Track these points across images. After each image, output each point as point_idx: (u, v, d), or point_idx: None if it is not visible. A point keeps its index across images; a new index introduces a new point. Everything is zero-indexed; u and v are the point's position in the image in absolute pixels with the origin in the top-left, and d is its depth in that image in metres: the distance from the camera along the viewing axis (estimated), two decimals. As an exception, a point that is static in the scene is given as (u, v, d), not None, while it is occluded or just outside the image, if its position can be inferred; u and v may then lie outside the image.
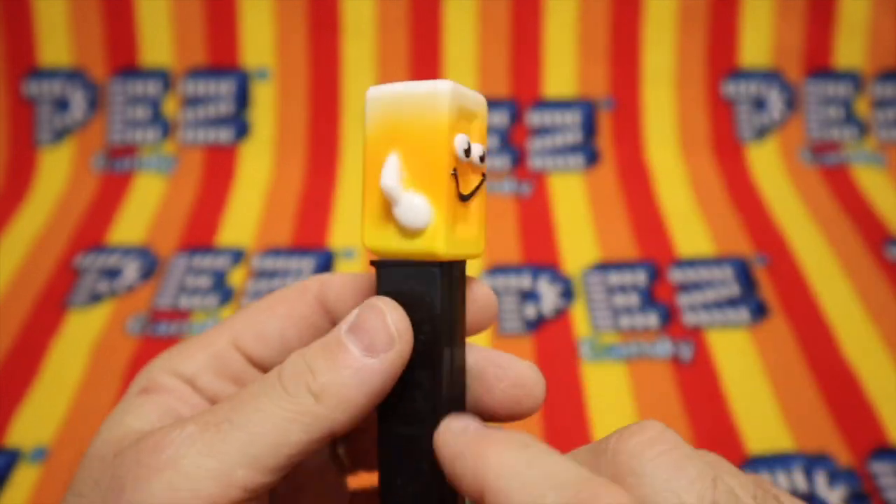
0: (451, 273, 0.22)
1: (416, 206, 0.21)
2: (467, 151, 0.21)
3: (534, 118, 0.71)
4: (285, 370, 0.20)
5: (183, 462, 0.19)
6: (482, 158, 0.22)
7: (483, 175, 0.22)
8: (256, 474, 0.19)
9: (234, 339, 0.24)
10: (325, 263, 0.60)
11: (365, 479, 0.27)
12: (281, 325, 0.24)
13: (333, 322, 0.24)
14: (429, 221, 0.21)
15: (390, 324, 0.20)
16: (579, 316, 0.55)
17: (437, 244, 0.21)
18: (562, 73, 0.71)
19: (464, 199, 0.22)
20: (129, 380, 0.51)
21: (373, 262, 0.22)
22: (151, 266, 0.59)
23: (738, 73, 0.72)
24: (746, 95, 0.71)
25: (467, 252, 0.22)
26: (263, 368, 0.24)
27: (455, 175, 0.21)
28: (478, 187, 0.22)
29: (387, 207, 0.21)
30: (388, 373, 0.20)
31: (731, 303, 0.56)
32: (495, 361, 0.23)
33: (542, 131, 0.70)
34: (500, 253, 0.60)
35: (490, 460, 0.18)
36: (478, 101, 0.22)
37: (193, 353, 0.24)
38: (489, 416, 0.23)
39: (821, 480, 0.44)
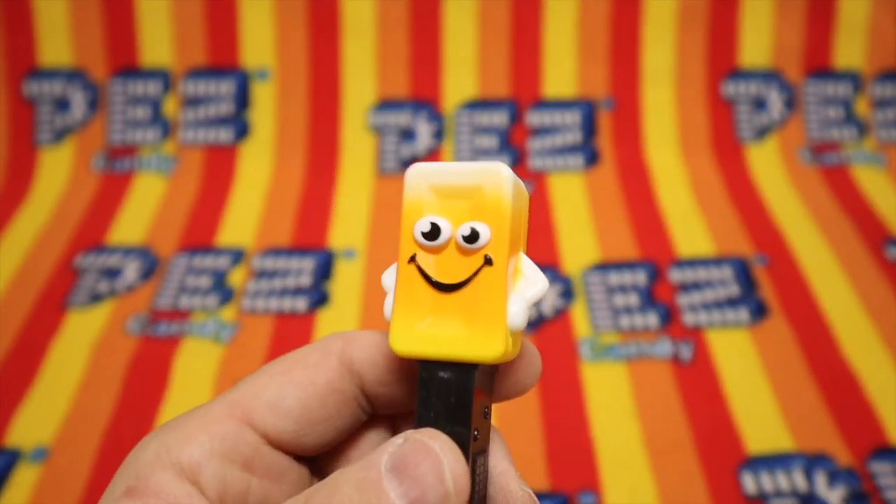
0: (431, 374, 0.19)
1: (387, 297, 0.20)
2: (427, 234, 0.19)
3: (534, 118, 0.71)
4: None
5: None
6: (470, 238, 0.18)
7: (486, 259, 0.19)
8: None
9: (244, 414, 0.20)
10: (325, 263, 0.60)
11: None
12: (300, 394, 0.20)
13: (361, 387, 0.21)
14: (389, 313, 0.19)
15: (447, 475, 0.16)
16: (579, 316, 0.55)
17: (391, 337, 0.19)
18: (562, 73, 0.71)
19: (442, 288, 0.19)
20: (130, 380, 0.51)
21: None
22: (151, 266, 0.59)
23: (738, 73, 0.72)
24: (746, 95, 0.71)
25: (447, 353, 0.18)
26: (281, 445, 0.21)
27: (414, 261, 0.19)
28: (474, 275, 0.19)
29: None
30: None
31: (731, 303, 0.56)
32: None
33: (542, 131, 0.70)
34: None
35: None
36: (480, 173, 0.19)
37: (195, 435, 0.20)
38: None
39: (821, 480, 0.44)
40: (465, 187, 0.19)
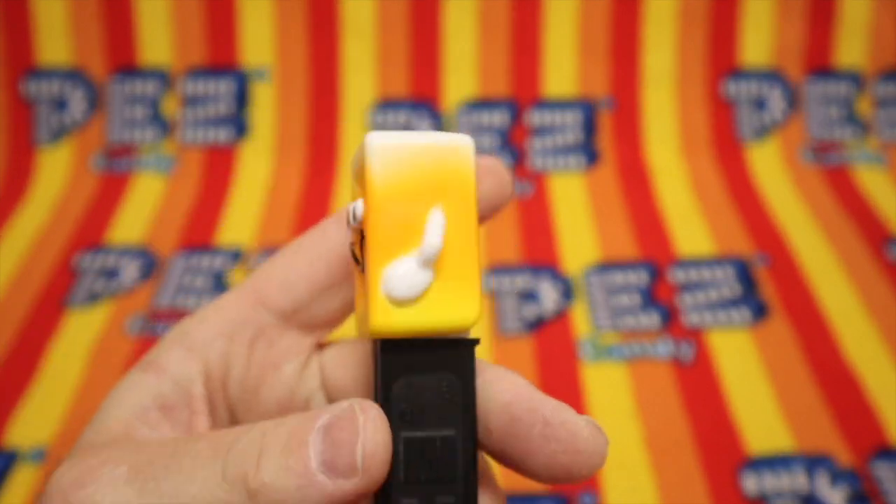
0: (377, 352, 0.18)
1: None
2: (353, 217, 0.18)
3: (534, 118, 0.71)
4: (237, 445, 0.17)
5: None
6: (355, 217, 0.18)
7: (360, 233, 0.18)
8: None
9: (257, 296, 0.21)
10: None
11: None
12: (308, 265, 0.21)
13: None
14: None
15: (359, 449, 0.16)
16: (579, 316, 0.55)
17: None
18: (562, 73, 0.71)
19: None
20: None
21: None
22: (150, 266, 0.59)
23: (738, 73, 0.71)
24: (747, 95, 0.71)
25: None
26: (295, 320, 0.22)
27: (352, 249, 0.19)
28: (358, 253, 0.19)
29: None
30: (338, 501, 0.17)
31: (732, 303, 0.56)
32: (541, 414, 0.18)
33: (542, 131, 0.70)
34: (500, 253, 0.60)
35: None
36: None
37: (208, 318, 0.22)
38: (529, 476, 0.18)
39: (822, 481, 0.44)
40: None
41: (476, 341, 0.18)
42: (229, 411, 0.22)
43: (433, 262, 0.17)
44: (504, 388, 0.18)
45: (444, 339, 0.18)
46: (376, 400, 0.18)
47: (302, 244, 0.22)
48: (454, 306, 0.17)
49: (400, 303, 0.17)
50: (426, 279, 0.17)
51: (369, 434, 0.17)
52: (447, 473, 0.17)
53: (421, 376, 0.18)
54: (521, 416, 0.18)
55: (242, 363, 0.21)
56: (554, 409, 0.18)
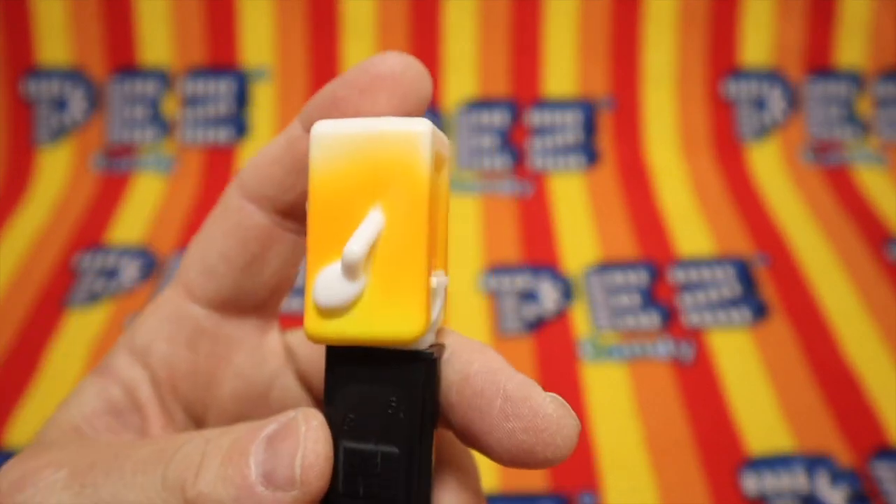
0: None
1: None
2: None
3: (534, 118, 0.71)
4: (180, 452, 0.17)
5: None
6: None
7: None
8: None
9: (185, 290, 0.21)
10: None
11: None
12: (219, 247, 0.20)
13: (273, 207, 0.20)
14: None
15: (297, 461, 0.16)
16: (580, 316, 0.55)
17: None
18: (562, 73, 0.71)
19: None
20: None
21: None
22: (150, 266, 0.59)
23: (738, 73, 0.71)
24: (747, 95, 0.71)
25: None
26: (231, 306, 0.21)
27: None
28: None
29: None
30: None
31: (732, 303, 0.56)
32: (503, 388, 0.16)
33: (542, 131, 0.70)
34: (500, 253, 0.60)
35: None
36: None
37: (146, 319, 0.21)
38: (491, 457, 0.17)
39: (822, 481, 0.44)
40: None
41: (432, 355, 0.16)
42: (186, 411, 0.21)
43: (356, 272, 0.16)
44: (471, 360, 0.17)
45: (398, 350, 0.16)
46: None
47: (211, 224, 0.21)
48: (394, 317, 0.16)
49: (326, 311, 0.16)
50: (352, 289, 0.16)
51: (309, 445, 0.16)
52: (386, 492, 0.16)
53: (369, 386, 0.16)
54: (483, 389, 0.16)
55: (187, 363, 0.21)
56: (518, 385, 0.16)
